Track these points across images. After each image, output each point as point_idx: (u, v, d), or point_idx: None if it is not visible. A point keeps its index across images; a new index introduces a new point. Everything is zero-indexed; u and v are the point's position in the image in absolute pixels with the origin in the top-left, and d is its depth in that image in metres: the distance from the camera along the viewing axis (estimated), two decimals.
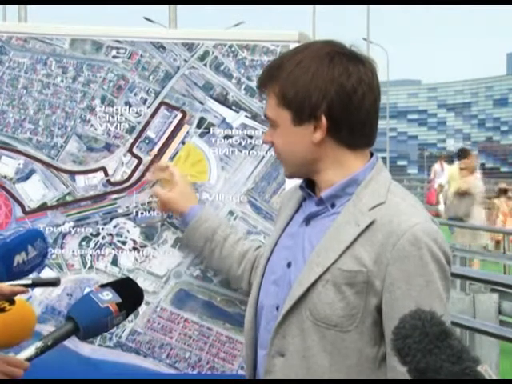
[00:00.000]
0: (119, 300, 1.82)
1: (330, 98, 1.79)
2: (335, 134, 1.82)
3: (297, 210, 1.96)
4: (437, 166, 18.91)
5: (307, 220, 1.89)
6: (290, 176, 1.95)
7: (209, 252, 2.21)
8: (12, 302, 1.70)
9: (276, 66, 1.86)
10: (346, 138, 1.83)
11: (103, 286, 1.86)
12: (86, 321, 1.77)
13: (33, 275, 2.05)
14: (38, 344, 1.72)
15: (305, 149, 1.84)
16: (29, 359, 1.70)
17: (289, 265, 1.88)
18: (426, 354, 1.18)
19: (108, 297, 1.81)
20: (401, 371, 1.71)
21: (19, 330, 1.74)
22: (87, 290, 2.26)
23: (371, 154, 1.90)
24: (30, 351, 1.71)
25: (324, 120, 1.80)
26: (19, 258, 1.74)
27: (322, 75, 1.79)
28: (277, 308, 1.88)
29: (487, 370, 1.17)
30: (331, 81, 1.79)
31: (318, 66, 1.80)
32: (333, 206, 1.86)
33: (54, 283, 1.96)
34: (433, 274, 1.76)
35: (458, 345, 1.18)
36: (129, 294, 1.87)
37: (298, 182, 2.09)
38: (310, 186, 1.92)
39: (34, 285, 1.83)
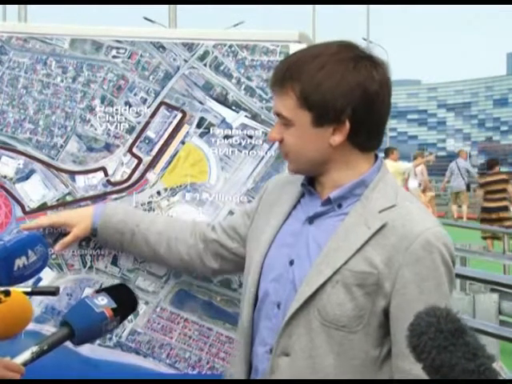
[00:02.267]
0: (114, 305, 1.83)
1: (355, 102, 1.80)
2: (354, 137, 1.83)
3: (294, 207, 1.95)
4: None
5: (311, 219, 1.89)
6: (295, 172, 1.93)
7: (128, 243, 2.20)
8: (7, 294, 1.70)
9: (295, 66, 1.83)
10: (362, 141, 1.85)
11: (98, 291, 1.87)
12: (82, 326, 1.77)
13: (32, 281, 2.06)
14: (34, 349, 1.72)
15: (320, 150, 1.84)
16: (24, 364, 1.70)
17: (291, 262, 1.88)
18: (441, 351, 1.18)
19: (103, 302, 1.82)
20: (408, 372, 1.74)
21: (15, 322, 1.74)
22: (87, 290, 2.26)
23: (375, 156, 1.92)
24: (25, 356, 1.71)
25: (347, 124, 1.81)
26: (19, 262, 1.74)
27: (348, 80, 1.80)
28: (278, 306, 1.88)
29: (502, 368, 1.18)
30: (357, 86, 1.80)
31: (343, 70, 1.80)
32: (339, 206, 1.87)
33: (53, 293, 1.96)
34: (442, 277, 1.79)
35: (473, 342, 1.19)
36: (123, 299, 1.87)
37: (282, 175, 2.10)
38: (309, 182, 1.93)
39: (33, 293, 1.83)
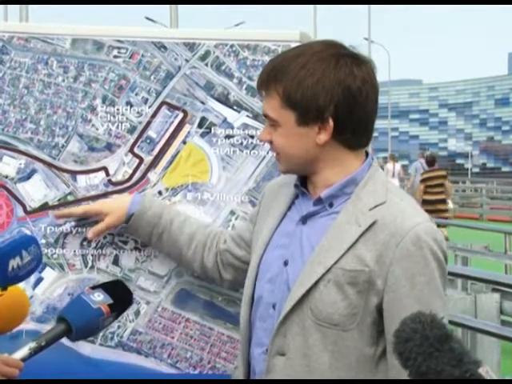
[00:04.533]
0: (110, 301, 1.83)
1: (337, 99, 1.80)
2: (339, 135, 1.83)
3: (288, 208, 1.96)
4: (389, 166, 20.29)
5: (304, 219, 1.90)
6: (286, 172, 1.95)
7: (157, 237, 2.19)
8: (4, 288, 1.70)
9: (278, 67, 1.85)
10: (348, 138, 1.85)
11: (94, 287, 1.88)
12: (79, 322, 1.78)
13: (33, 281, 2.05)
14: (32, 345, 1.73)
15: (307, 149, 1.85)
16: (23, 359, 1.71)
17: (285, 263, 1.89)
18: (426, 358, 1.18)
19: (99, 298, 1.83)
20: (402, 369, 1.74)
21: (11, 316, 1.74)
22: None
23: (366, 153, 1.92)
24: (23, 352, 1.72)
25: (331, 122, 1.81)
26: (14, 263, 1.74)
27: (329, 77, 1.80)
28: (273, 306, 1.89)
29: (488, 372, 1.17)
30: (338, 83, 1.80)
31: (324, 68, 1.81)
32: (331, 205, 1.87)
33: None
34: (434, 272, 1.80)
35: (458, 348, 1.19)
36: (119, 295, 1.88)
37: (279, 177, 2.10)
38: (302, 183, 1.93)
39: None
